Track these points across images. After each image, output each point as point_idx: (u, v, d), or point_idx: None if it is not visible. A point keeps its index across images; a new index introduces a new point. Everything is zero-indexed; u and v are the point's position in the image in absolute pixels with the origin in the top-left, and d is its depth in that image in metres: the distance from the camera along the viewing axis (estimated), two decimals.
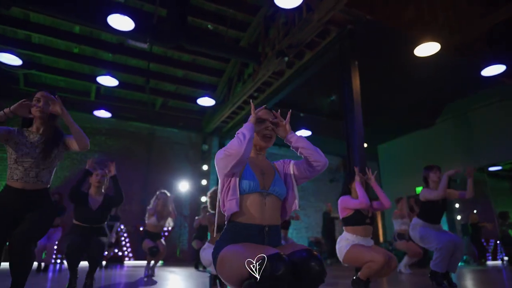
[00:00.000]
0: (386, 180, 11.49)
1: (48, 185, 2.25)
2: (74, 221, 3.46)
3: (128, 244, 9.16)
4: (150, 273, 4.88)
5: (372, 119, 9.97)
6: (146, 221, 5.09)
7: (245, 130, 1.56)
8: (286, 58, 6.41)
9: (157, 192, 5.15)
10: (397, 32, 6.00)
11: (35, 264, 5.78)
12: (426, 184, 3.96)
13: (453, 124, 9.37)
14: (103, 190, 3.60)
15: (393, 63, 7.28)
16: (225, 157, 1.51)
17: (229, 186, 1.58)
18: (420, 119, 9.75)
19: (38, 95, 2.24)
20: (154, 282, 4.15)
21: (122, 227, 8.96)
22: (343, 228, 3.17)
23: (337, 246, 3.10)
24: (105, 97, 9.83)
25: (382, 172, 11.71)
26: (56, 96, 2.25)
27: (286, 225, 7.27)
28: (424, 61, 6.72)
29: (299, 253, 1.37)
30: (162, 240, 5.09)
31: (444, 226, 9.74)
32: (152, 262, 4.92)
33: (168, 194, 5.18)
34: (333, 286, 3.69)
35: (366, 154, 12.09)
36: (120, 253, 8.94)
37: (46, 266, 5.91)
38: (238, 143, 1.50)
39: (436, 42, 5.92)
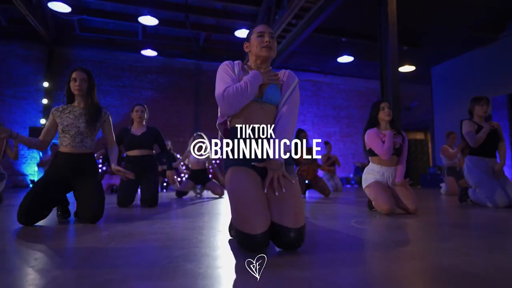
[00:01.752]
0: (439, 105, 10.88)
1: (92, 151, 2.58)
2: (126, 153, 3.90)
3: (185, 171, 10.26)
4: (199, 191, 5.63)
5: (425, 39, 9.24)
6: (189, 164, 5.59)
7: (250, 78, 1.61)
8: None
9: (194, 134, 5.63)
10: None
11: (106, 185, 6.87)
12: (471, 117, 3.69)
13: None
14: (144, 123, 3.97)
15: None
16: (223, 104, 1.67)
17: None
18: (480, 35, 8.78)
19: (74, 75, 2.46)
20: (201, 200, 4.86)
21: (178, 156, 9.95)
22: (369, 158, 3.15)
23: (363, 176, 3.14)
24: (151, 36, 10.26)
25: (435, 96, 11.07)
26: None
27: (330, 164, 7.41)
28: None
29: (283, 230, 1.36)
30: (213, 180, 5.52)
31: None
32: (196, 187, 5.57)
33: (204, 136, 5.61)
34: (358, 205, 4.01)
35: (417, 78, 11.45)
36: (179, 179, 10.12)
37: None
38: (238, 95, 1.60)
39: None
